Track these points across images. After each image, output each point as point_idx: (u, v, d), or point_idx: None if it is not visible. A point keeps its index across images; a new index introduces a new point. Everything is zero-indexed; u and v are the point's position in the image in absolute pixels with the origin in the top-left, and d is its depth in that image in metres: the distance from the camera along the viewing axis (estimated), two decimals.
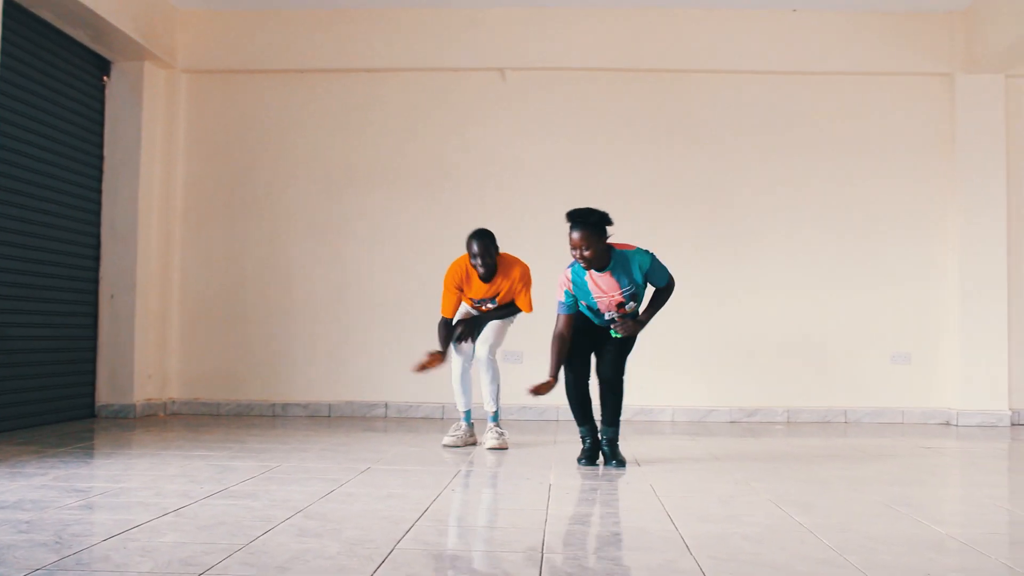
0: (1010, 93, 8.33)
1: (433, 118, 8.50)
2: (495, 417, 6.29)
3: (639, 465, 5.49)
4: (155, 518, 3.77)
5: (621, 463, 5.46)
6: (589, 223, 5.16)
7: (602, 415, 5.56)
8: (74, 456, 5.55)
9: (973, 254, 8.16)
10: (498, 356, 6.38)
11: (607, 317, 5.39)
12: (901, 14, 8.31)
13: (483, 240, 6.05)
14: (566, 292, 5.38)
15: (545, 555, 3.26)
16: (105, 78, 8.00)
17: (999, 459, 6.34)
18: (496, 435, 6.19)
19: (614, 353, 5.48)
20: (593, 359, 5.59)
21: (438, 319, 6.30)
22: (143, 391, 8.04)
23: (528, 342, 7.71)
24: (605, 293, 5.32)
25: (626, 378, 5.57)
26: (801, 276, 8.34)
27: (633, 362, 5.67)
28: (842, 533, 3.64)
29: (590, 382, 5.58)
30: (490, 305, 6.23)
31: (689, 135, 8.43)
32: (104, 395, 7.91)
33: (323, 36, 8.48)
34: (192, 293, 8.51)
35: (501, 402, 6.36)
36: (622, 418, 5.61)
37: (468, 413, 6.41)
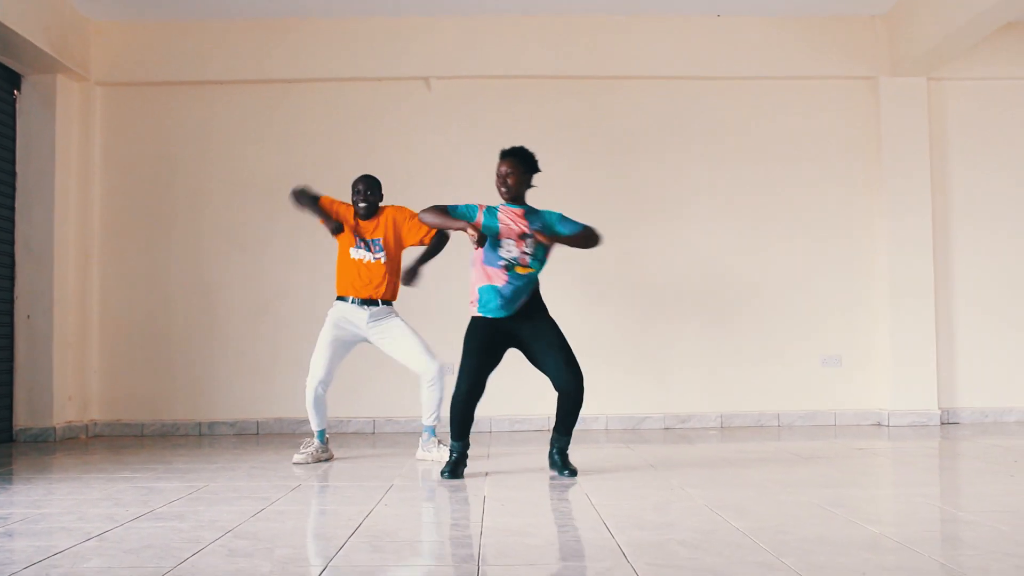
0: (932, 95, 8.48)
1: (357, 129, 8.39)
2: (435, 431, 6.23)
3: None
4: (78, 543, 3.64)
5: (573, 472, 5.41)
6: (518, 154, 5.46)
7: (557, 425, 5.48)
8: None
9: (900, 256, 8.28)
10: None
11: (503, 254, 5.33)
12: (824, 18, 8.41)
13: (370, 180, 6.16)
14: (471, 204, 5.46)
15: (480, 568, 3.21)
16: (16, 92, 7.78)
17: (930, 458, 6.42)
18: (438, 447, 6.14)
19: (562, 359, 5.36)
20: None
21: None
22: (63, 413, 7.81)
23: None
24: (512, 223, 5.37)
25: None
26: (730, 281, 8.37)
27: None
28: (778, 536, 3.64)
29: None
30: (379, 256, 6.09)
31: (616, 142, 8.43)
32: (22, 418, 7.67)
33: (241, 47, 8.33)
34: (112, 311, 8.29)
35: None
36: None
37: (322, 432, 6.25)
